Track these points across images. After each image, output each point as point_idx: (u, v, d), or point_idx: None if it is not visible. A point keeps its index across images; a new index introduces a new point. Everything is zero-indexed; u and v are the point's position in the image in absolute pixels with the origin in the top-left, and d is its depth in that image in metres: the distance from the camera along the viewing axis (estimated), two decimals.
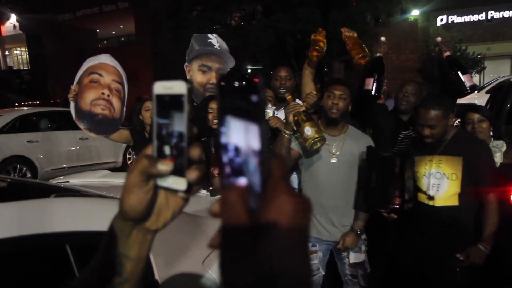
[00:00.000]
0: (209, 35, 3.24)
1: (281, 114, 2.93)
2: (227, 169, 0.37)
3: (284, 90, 2.87)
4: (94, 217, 1.28)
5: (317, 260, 2.47)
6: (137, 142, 2.98)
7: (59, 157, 7.13)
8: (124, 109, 3.01)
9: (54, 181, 2.93)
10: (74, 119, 2.98)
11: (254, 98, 0.35)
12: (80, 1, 17.95)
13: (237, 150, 0.36)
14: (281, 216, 0.33)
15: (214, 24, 11.41)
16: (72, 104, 2.96)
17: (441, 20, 16.30)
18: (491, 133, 2.55)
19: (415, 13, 15.71)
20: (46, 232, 1.21)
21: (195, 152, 0.46)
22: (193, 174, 0.45)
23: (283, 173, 0.36)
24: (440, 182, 2.22)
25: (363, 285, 2.47)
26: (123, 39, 22.00)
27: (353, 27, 2.86)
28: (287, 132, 2.28)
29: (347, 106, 2.38)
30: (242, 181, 0.36)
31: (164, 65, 16.10)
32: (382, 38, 2.74)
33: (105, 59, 2.99)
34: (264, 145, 0.35)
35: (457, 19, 16.20)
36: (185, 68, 3.27)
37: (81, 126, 2.97)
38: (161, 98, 0.45)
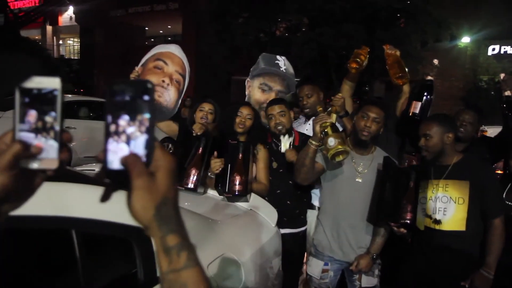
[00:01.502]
0: (278, 57, 3.20)
1: (307, 127, 2.93)
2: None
3: (308, 110, 2.89)
4: (103, 207, 1.29)
5: (327, 279, 2.42)
6: (180, 138, 2.91)
7: (93, 145, 7.35)
8: (180, 101, 3.00)
9: (80, 168, 3.01)
10: None
11: (146, 97, 0.53)
12: None
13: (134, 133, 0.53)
14: (171, 165, 0.56)
15: (259, 32, 11.53)
16: None
17: (493, 49, 15.67)
18: None
19: (465, 40, 15.22)
20: (55, 215, 1.22)
21: (66, 136, 0.54)
22: (63, 155, 0.54)
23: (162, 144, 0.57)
24: (447, 206, 2.20)
25: None
26: (169, 38, 22.63)
27: (398, 48, 2.80)
28: (314, 143, 2.26)
29: (380, 129, 2.34)
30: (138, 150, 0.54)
31: (205, 66, 16.43)
32: (435, 61, 2.64)
33: (175, 49, 3.01)
34: (151, 130, 0.54)
35: (511, 50, 15.53)
36: (246, 83, 3.26)
37: None
38: (29, 91, 0.52)
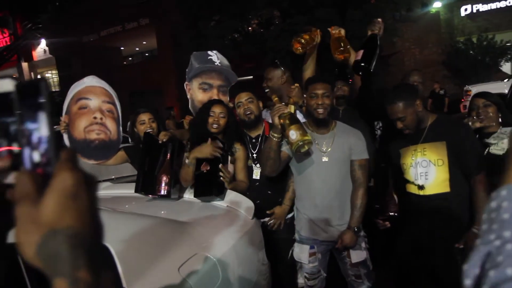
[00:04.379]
0: (209, 52, 3.14)
1: (267, 114, 2.92)
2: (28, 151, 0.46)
3: (268, 90, 2.90)
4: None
5: (317, 262, 2.41)
6: (134, 157, 2.82)
7: (88, 170, 7.35)
8: (121, 129, 2.85)
9: None
10: None
11: (41, 98, 0.45)
12: (104, 21, 18.58)
13: (36, 137, 0.45)
14: (65, 185, 0.44)
15: (232, 32, 11.52)
16: (64, 136, 2.76)
17: (465, 10, 15.78)
18: (500, 120, 2.47)
19: (437, 4, 15.31)
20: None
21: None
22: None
23: (68, 156, 0.46)
24: (428, 170, 2.19)
25: (369, 284, 2.39)
26: (147, 54, 22.55)
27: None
28: (275, 135, 2.24)
29: (332, 102, 2.34)
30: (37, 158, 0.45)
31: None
32: (379, 19, 2.73)
33: (90, 81, 2.82)
34: (51, 133, 0.45)
35: (483, 7, 15.62)
36: (185, 87, 3.17)
37: (84, 160, 2.77)
38: None
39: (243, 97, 2.64)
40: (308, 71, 2.91)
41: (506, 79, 9.35)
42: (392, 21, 11.46)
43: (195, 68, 3.07)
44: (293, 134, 2.11)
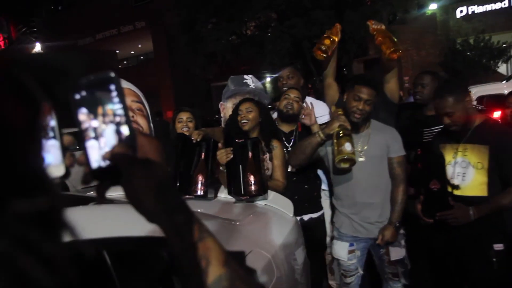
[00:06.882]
0: (245, 76, 3.27)
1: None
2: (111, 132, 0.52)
3: (285, 83, 3.01)
4: (129, 223, 1.28)
5: (355, 259, 2.41)
6: (169, 153, 2.94)
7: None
8: (152, 125, 2.99)
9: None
10: None
11: (111, 87, 0.51)
12: (99, 24, 18.51)
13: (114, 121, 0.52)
14: (149, 151, 0.55)
15: (229, 35, 11.49)
16: None
17: (461, 11, 15.88)
18: None
19: (432, 7, 15.37)
20: (86, 238, 1.19)
21: (68, 140, 0.54)
22: (68, 160, 0.54)
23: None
24: (466, 171, 2.13)
25: (405, 282, 2.38)
26: (142, 57, 22.50)
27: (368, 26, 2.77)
28: (322, 136, 2.27)
29: (371, 109, 2.32)
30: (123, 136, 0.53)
31: (182, 79, 16.33)
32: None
33: None
34: (127, 114, 0.52)
35: (478, 9, 15.72)
36: (219, 106, 3.30)
37: None
38: None
39: (292, 93, 2.70)
40: (330, 78, 2.92)
41: (505, 80, 9.33)
42: (389, 23, 11.48)
43: (231, 90, 3.21)
44: (349, 146, 2.16)
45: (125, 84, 3.29)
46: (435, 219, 2.16)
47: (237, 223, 1.93)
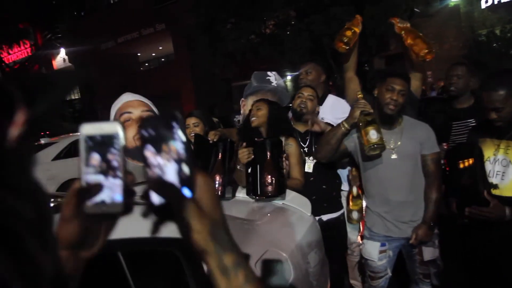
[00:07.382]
0: (269, 72, 3.25)
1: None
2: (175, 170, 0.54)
3: (303, 85, 2.96)
4: (142, 223, 1.29)
5: (385, 260, 2.36)
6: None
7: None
8: None
9: None
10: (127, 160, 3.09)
11: (174, 125, 0.54)
12: (120, 27, 18.85)
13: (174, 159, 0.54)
14: (205, 191, 0.56)
15: (249, 34, 11.49)
16: None
17: (486, 1, 15.35)
18: None
19: None
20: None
21: (130, 178, 0.54)
22: (129, 198, 0.53)
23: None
24: (506, 170, 2.00)
25: (437, 283, 2.32)
26: (163, 59, 22.77)
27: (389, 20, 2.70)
28: (346, 126, 2.24)
29: (406, 101, 2.26)
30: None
31: (202, 79, 16.44)
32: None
33: (127, 97, 3.01)
34: (189, 153, 0.54)
35: None
36: (240, 103, 3.29)
37: (135, 163, 2.99)
38: (92, 137, 0.53)
39: (306, 92, 2.70)
40: (351, 71, 2.86)
41: None
42: (410, 17, 11.22)
43: (253, 86, 3.21)
44: (374, 134, 2.11)
45: (134, 96, 3.34)
46: (470, 218, 2.04)
47: (255, 222, 1.94)
